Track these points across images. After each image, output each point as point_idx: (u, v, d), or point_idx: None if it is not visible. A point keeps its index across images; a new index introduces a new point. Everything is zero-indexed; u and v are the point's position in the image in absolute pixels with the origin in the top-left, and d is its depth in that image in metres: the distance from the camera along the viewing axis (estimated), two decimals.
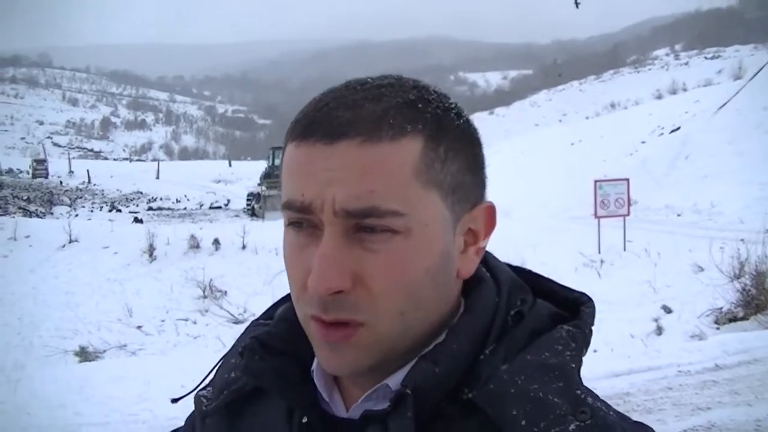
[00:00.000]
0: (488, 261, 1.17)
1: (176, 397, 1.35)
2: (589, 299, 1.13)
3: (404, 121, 0.99)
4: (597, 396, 1.00)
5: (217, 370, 1.29)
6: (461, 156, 1.04)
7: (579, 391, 0.98)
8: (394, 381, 1.03)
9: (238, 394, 1.21)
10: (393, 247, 0.98)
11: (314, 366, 1.14)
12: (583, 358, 1.06)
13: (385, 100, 1.01)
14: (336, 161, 0.98)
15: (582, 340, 1.05)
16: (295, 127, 1.04)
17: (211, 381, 1.29)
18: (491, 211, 1.10)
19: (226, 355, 1.30)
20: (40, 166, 78.90)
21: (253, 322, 1.33)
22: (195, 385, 1.31)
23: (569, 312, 1.11)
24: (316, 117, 1.01)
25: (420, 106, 1.02)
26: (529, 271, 1.22)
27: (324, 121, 1.00)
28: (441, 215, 1.02)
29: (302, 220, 1.02)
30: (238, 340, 1.26)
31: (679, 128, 45.02)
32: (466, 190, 1.05)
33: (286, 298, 1.26)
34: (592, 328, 1.10)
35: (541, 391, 0.96)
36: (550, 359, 1.00)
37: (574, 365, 1.01)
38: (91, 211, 48.03)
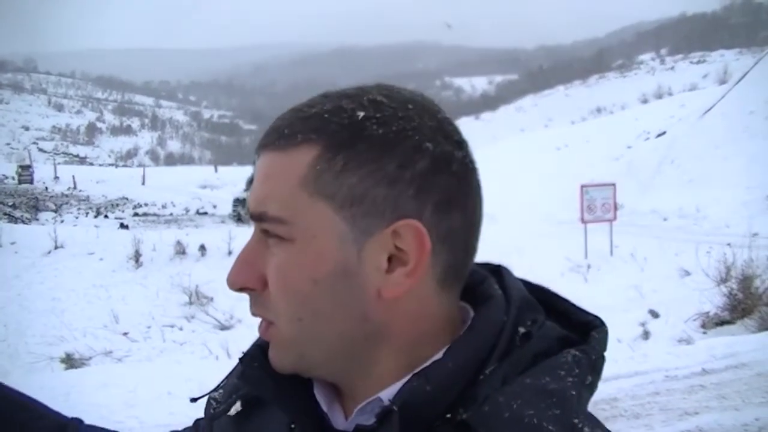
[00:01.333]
0: (503, 278, 1.13)
1: (195, 396, 1.34)
2: (602, 324, 1.09)
3: (300, 130, 1.00)
4: (598, 423, 0.99)
5: (229, 374, 1.28)
6: (369, 167, 0.98)
7: (576, 420, 0.95)
8: (387, 395, 1.01)
9: (244, 399, 1.20)
10: (282, 253, 1.00)
11: None
12: (597, 384, 1.03)
13: (306, 110, 1.02)
14: (257, 170, 1.04)
15: (587, 366, 1.01)
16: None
17: (222, 384, 1.28)
18: (419, 232, 0.98)
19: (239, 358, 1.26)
20: (25, 171, 78.63)
21: None
22: (212, 388, 1.31)
23: (580, 335, 1.07)
24: (266, 130, 1.06)
25: (326, 116, 1.00)
26: (545, 290, 1.17)
27: (265, 134, 1.05)
28: (334, 228, 0.98)
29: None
30: (253, 344, 1.23)
31: (665, 133, 45.20)
32: (374, 204, 0.98)
33: None
34: (605, 354, 1.05)
35: (536, 418, 0.93)
36: (550, 384, 0.96)
37: (574, 392, 0.97)
38: (77, 217, 47.90)
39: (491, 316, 1.04)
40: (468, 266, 1.08)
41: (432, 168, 0.98)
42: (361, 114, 1.00)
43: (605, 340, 1.06)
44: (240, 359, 1.14)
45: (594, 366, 1.02)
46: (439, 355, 1.01)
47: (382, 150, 0.98)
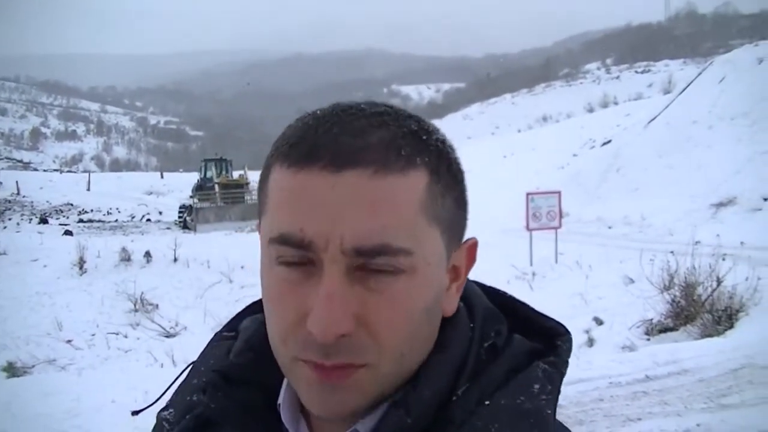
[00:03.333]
0: (465, 287, 1.10)
1: (136, 409, 1.30)
2: (566, 331, 1.09)
3: (413, 151, 0.94)
4: None
5: (179, 390, 1.19)
6: (454, 191, 1.00)
7: None
8: (365, 427, 0.98)
9: (200, 419, 1.11)
10: (397, 287, 0.92)
11: (281, 398, 1.07)
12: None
13: (390, 128, 0.95)
14: (344, 193, 0.90)
15: (559, 380, 1.01)
16: (291, 151, 0.95)
17: (171, 401, 1.18)
18: (474, 248, 1.07)
19: (189, 373, 1.21)
20: None
21: (216, 335, 1.24)
22: (155, 399, 1.25)
23: (544, 342, 1.06)
24: (320, 141, 0.93)
25: (424, 137, 0.97)
26: (505, 295, 1.16)
27: (330, 147, 0.92)
28: (440, 253, 0.97)
29: (298, 256, 0.93)
30: (200, 358, 1.19)
31: (610, 141, 45.58)
32: (458, 226, 1.01)
33: (252, 308, 1.23)
34: (568, 360, 1.06)
35: None
36: (525, 404, 0.95)
37: (550, 411, 0.97)
38: (18, 224, 47.24)
39: (459, 334, 1.02)
40: None
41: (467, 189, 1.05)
42: (440, 137, 1.00)
43: (570, 349, 1.06)
44: (203, 389, 1.08)
45: (563, 379, 1.03)
46: (411, 376, 0.98)
47: (458, 174, 1.02)
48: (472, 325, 1.05)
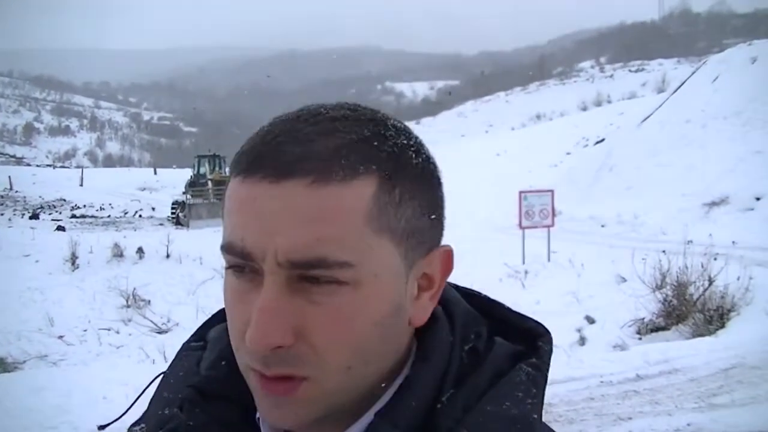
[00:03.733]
0: (445, 292, 1.06)
1: (103, 424, 1.28)
2: (546, 331, 1.07)
3: (358, 160, 0.91)
4: None
5: (151, 403, 1.15)
6: (418, 198, 0.96)
7: None
8: None
9: None
10: (339, 300, 0.91)
11: (260, 413, 1.03)
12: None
13: (338, 135, 0.92)
14: (282, 203, 0.89)
15: (543, 383, 0.99)
16: (240, 160, 0.95)
17: (144, 415, 1.15)
18: (449, 256, 1.02)
19: (159, 384, 1.17)
20: None
21: (184, 345, 1.21)
22: (121, 413, 1.23)
23: (525, 344, 1.04)
24: (263, 150, 0.92)
25: (376, 143, 0.94)
26: (481, 296, 1.14)
27: (271, 156, 0.91)
28: (393, 264, 0.94)
29: (243, 265, 0.93)
30: (169, 369, 1.17)
31: (603, 140, 45.67)
32: (421, 235, 0.97)
33: (218, 316, 1.19)
34: (550, 361, 1.04)
35: None
36: (511, 410, 0.93)
37: (536, 415, 0.96)
38: (10, 219, 47.18)
39: (440, 342, 1.00)
40: None
41: (443, 193, 1.02)
42: (402, 142, 0.97)
43: (551, 350, 1.04)
44: (179, 406, 1.06)
45: (546, 381, 1.01)
46: (394, 388, 0.98)
47: (422, 179, 0.98)
48: (452, 330, 1.02)
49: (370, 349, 0.93)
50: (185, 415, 1.04)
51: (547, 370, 1.01)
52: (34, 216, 49.15)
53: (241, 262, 0.93)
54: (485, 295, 1.14)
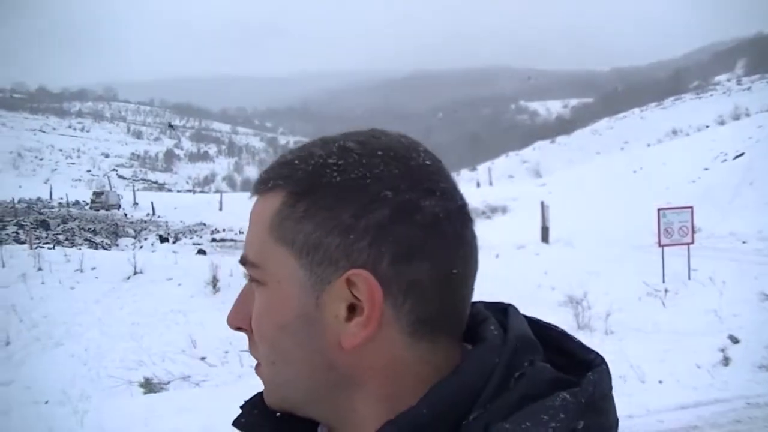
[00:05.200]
0: (507, 317, 1.06)
1: None
2: (601, 363, 1.02)
3: (273, 177, 1.03)
4: None
5: None
6: (324, 215, 0.97)
7: None
8: None
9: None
10: (258, 298, 1.04)
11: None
12: (607, 426, 0.96)
13: (287, 156, 1.05)
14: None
15: (576, 411, 0.92)
16: None
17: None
18: (369, 282, 0.95)
19: None
20: (98, 198, 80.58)
21: None
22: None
23: (580, 375, 0.99)
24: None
25: (296, 162, 1.02)
26: (553, 329, 1.11)
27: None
28: (295, 275, 0.99)
29: None
30: None
31: (742, 154, 44.62)
32: (327, 252, 0.97)
33: None
34: (607, 392, 0.98)
35: None
36: (530, 430, 0.90)
37: None
38: (152, 244, 48.48)
39: (479, 359, 0.98)
40: (455, 316, 1.03)
41: (391, 217, 0.96)
42: (326, 161, 1.00)
43: (603, 379, 0.99)
44: (240, 406, 1.14)
45: (593, 407, 0.94)
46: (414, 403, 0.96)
47: (338, 198, 0.97)
48: (500, 354, 0.99)
49: (285, 350, 1.01)
50: (240, 413, 1.14)
51: (588, 400, 0.94)
52: (164, 239, 50.52)
53: None
54: (559, 328, 1.11)
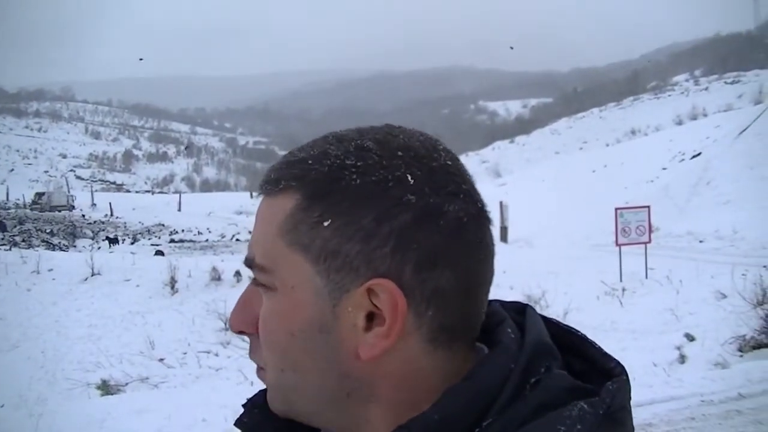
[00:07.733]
0: (525, 319, 1.02)
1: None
2: (621, 372, 0.98)
3: (284, 177, 0.97)
4: None
5: None
6: (344, 220, 0.93)
7: None
8: None
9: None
10: (267, 302, 0.98)
11: None
12: None
13: (296, 154, 0.99)
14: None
15: (592, 422, 0.89)
16: None
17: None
18: (392, 292, 0.91)
19: None
20: (39, 199, 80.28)
21: None
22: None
23: (601, 384, 0.95)
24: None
25: (310, 162, 0.96)
26: (574, 333, 1.06)
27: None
28: (310, 281, 0.94)
29: None
30: None
31: (700, 154, 45.08)
32: (347, 259, 0.93)
33: None
34: (626, 405, 0.96)
35: None
36: None
37: None
38: (99, 248, 48.20)
39: (494, 365, 0.94)
40: (474, 320, 0.99)
41: (414, 222, 0.92)
42: (343, 162, 0.94)
43: (622, 390, 0.95)
44: (243, 405, 1.11)
45: (611, 418, 0.92)
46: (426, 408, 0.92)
47: (358, 202, 0.93)
48: (516, 359, 0.95)
49: (295, 358, 0.97)
50: (243, 412, 1.11)
51: (607, 411, 0.91)
52: (114, 240, 50.26)
53: None
54: (579, 333, 1.07)
